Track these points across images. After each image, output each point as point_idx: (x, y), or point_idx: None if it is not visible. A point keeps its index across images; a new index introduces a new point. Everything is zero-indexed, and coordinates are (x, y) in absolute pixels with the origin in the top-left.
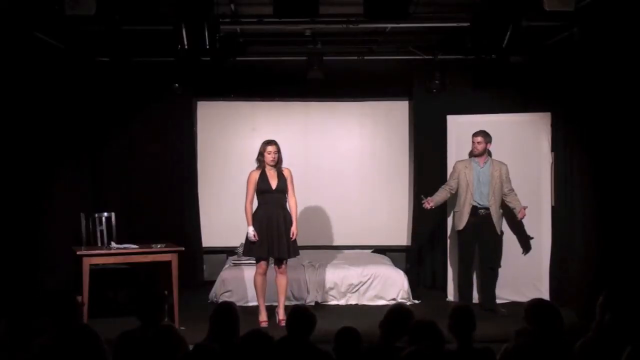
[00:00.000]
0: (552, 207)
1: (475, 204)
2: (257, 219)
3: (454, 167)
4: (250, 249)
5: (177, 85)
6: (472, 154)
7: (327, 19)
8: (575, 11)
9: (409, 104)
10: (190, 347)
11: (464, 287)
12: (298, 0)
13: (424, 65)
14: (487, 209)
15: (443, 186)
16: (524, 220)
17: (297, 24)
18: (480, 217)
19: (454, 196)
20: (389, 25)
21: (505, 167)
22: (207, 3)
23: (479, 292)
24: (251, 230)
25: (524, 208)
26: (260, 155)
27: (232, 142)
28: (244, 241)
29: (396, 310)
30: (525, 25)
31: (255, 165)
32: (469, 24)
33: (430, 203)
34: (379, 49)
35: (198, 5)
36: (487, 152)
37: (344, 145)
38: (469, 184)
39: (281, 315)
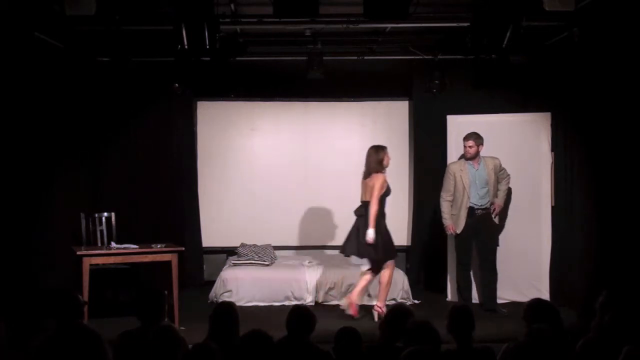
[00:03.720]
0: (552, 207)
1: (472, 204)
2: (382, 221)
3: (447, 170)
4: (390, 249)
5: (177, 85)
6: (464, 157)
7: (327, 19)
8: (575, 11)
9: (409, 104)
10: (190, 347)
11: (463, 288)
12: (298, 0)
13: (424, 65)
14: (485, 209)
15: (443, 199)
16: (521, 223)
17: (297, 24)
18: (477, 218)
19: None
20: (389, 25)
21: (498, 160)
22: (207, 3)
23: (479, 292)
24: (373, 233)
25: (499, 205)
26: (382, 159)
27: (232, 142)
28: (244, 241)
29: (396, 310)
30: (525, 25)
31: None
32: (469, 24)
33: (451, 227)
34: (379, 49)
35: (198, 5)
36: (479, 154)
37: (344, 145)
38: (465, 186)
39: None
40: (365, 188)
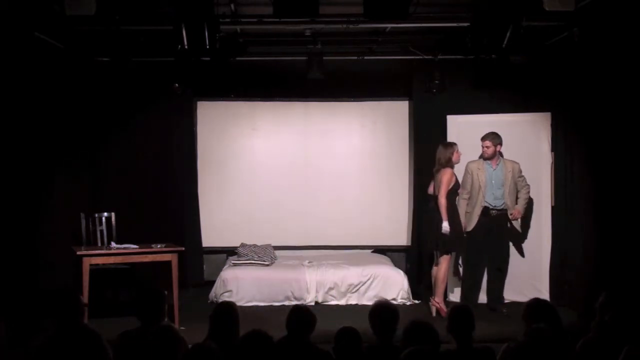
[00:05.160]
0: (552, 207)
1: (487, 204)
2: (452, 214)
3: (466, 169)
4: (453, 242)
5: (177, 85)
6: (482, 157)
7: (327, 19)
8: (575, 11)
9: (409, 104)
10: (190, 347)
11: (468, 288)
12: (298, 0)
13: (424, 65)
14: (500, 210)
15: (460, 197)
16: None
17: (297, 24)
18: (491, 218)
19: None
20: (389, 25)
21: (518, 165)
22: (207, 3)
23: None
24: (447, 225)
25: (518, 212)
26: (450, 156)
27: (232, 142)
28: (244, 241)
29: (378, 309)
30: (525, 25)
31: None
32: (469, 24)
33: (466, 226)
34: (379, 49)
35: (198, 5)
36: (498, 154)
37: (344, 145)
38: (481, 185)
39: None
40: (435, 183)
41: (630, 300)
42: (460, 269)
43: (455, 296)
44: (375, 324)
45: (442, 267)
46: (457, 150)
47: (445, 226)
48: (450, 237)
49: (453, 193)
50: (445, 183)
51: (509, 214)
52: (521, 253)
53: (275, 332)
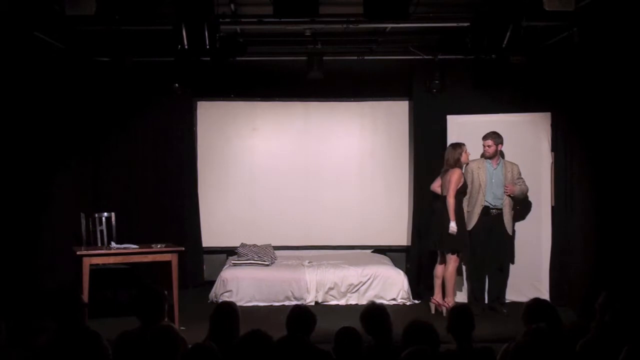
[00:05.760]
0: (552, 207)
1: (487, 204)
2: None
3: (466, 168)
4: (459, 241)
5: (177, 85)
6: (483, 156)
7: (327, 19)
8: (575, 11)
9: (409, 104)
10: (190, 346)
11: (475, 288)
12: (298, 0)
13: (424, 65)
14: (500, 209)
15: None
16: (521, 222)
17: (297, 24)
18: (491, 217)
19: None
20: (389, 25)
21: (517, 167)
22: (207, 3)
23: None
24: (455, 225)
25: (512, 188)
26: (459, 157)
27: (232, 142)
28: (244, 241)
29: (368, 311)
30: (525, 25)
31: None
32: (469, 24)
33: (466, 225)
34: (379, 49)
35: (198, 5)
36: (499, 153)
37: (344, 145)
38: (481, 184)
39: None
40: (444, 183)
41: (630, 300)
42: (464, 269)
43: (458, 297)
44: (368, 326)
45: (450, 267)
46: (466, 151)
47: (453, 226)
48: (457, 237)
49: (460, 193)
50: (454, 183)
51: (504, 192)
52: (512, 259)
53: (275, 332)
